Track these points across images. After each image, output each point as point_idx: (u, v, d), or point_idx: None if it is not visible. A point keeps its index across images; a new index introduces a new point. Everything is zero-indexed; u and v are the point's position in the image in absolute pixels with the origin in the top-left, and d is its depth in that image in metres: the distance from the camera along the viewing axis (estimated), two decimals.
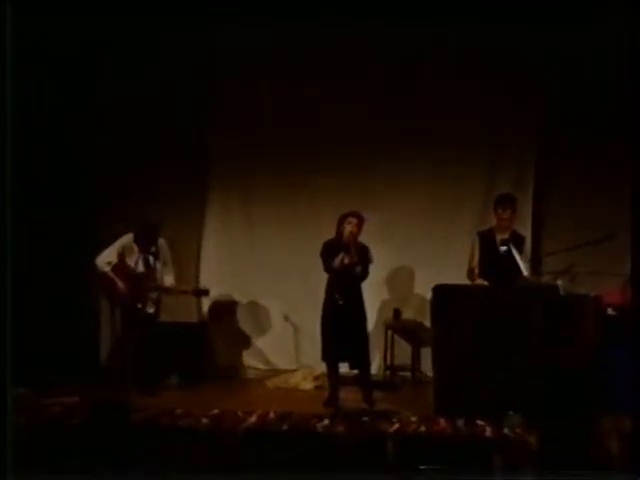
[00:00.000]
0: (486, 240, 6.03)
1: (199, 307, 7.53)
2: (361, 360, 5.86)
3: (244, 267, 7.54)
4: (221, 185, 7.65)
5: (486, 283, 5.78)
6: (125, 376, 5.92)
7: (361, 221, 5.86)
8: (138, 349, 6.04)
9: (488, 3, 6.65)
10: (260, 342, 7.55)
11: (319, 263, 5.91)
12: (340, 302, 5.71)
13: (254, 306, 7.57)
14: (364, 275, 5.86)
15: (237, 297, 7.58)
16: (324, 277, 5.92)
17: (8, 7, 2.52)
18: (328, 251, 5.85)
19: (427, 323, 6.35)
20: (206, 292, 6.44)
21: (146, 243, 6.17)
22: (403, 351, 7.11)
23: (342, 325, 5.71)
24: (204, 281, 7.36)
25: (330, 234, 5.96)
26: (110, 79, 7.38)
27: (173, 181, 7.49)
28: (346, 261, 5.73)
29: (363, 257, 5.82)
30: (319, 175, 7.41)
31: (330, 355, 5.83)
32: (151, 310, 6.31)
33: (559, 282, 5.45)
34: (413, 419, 5.04)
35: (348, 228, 5.80)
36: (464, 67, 7.10)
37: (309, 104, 7.34)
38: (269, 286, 7.46)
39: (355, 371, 6.04)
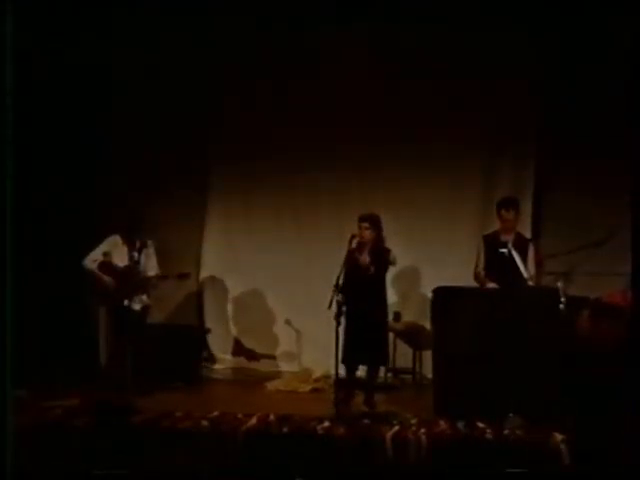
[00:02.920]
0: (491, 243, 6.00)
1: (199, 310, 7.53)
2: (379, 361, 5.86)
3: (245, 270, 7.53)
4: (221, 188, 7.63)
5: (494, 285, 5.76)
6: (124, 377, 5.92)
7: (371, 225, 5.81)
8: (134, 349, 6.06)
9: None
10: (260, 345, 7.53)
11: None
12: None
13: (254, 309, 7.55)
14: (377, 279, 5.77)
15: (237, 300, 7.56)
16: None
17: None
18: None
19: (427, 325, 6.34)
20: (187, 275, 6.44)
21: (131, 240, 6.26)
22: (404, 353, 7.11)
23: (362, 328, 5.66)
24: (205, 284, 7.42)
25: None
26: (110, 79, 7.38)
27: (173, 183, 7.48)
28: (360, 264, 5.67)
29: (380, 259, 5.75)
30: (319, 178, 7.40)
31: (349, 359, 5.75)
32: (137, 307, 6.32)
33: (559, 284, 5.43)
34: (413, 421, 5.04)
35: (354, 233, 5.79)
36: (464, 69, 7.10)
37: (309, 104, 7.33)
38: (270, 289, 7.45)
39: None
